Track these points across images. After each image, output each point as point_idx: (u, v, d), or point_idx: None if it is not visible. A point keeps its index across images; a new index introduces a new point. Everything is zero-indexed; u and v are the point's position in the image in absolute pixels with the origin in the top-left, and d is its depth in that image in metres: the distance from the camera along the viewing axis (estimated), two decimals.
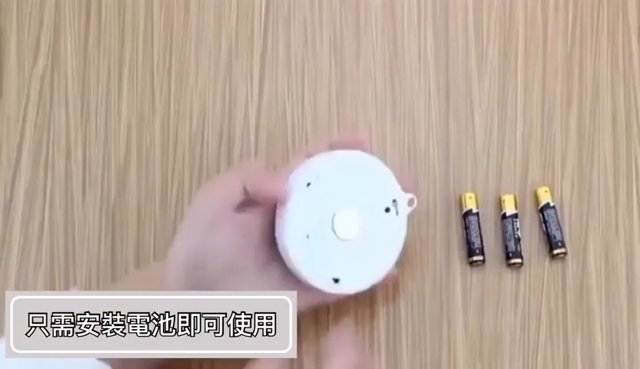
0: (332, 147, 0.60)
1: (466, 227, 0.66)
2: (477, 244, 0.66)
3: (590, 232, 0.67)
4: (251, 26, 0.71)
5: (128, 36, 0.71)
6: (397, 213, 0.60)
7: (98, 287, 0.66)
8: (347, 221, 0.59)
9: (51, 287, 0.66)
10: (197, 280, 0.57)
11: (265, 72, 0.70)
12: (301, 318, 0.61)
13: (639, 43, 0.71)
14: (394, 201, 0.60)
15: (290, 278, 0.59)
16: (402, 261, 0.63)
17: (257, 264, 0.59)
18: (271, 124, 0.69)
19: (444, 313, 0.66)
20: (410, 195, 0.60)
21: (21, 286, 0.66)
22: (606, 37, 0.71)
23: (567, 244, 0.67)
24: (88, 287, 0.66)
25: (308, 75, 0.70)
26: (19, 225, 0.67)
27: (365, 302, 0.65)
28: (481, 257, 0.66)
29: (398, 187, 0.60)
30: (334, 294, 0.60)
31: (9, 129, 0.69)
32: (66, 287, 0.66)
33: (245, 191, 0.58)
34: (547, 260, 0.67)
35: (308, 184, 0.58)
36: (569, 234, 0.67)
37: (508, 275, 0.66)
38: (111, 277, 0.66)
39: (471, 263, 0.66)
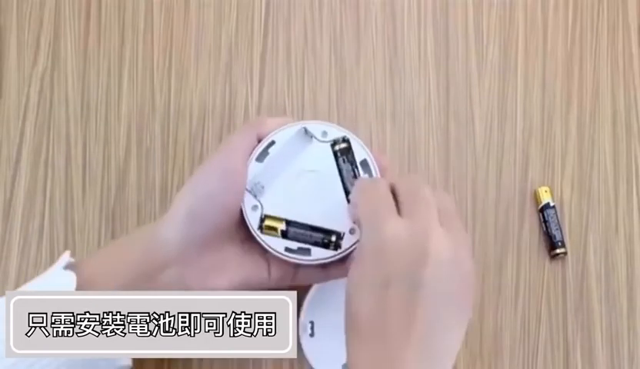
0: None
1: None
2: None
3: (590, 232, 0.67)
4: (251, 26, 0.71)
5: (128, 36, 0.71)
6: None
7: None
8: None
9: None
10: (195, 235, 0.55)
11: (265, 72, 0.70)
12: None
13: (639, 43, 0.71)
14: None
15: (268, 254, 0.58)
16: None
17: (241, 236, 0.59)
18: None
19: None
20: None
21: (21, 286, 0.66)
22: (606, 37, 0.71)
23: (567, 244, 0.67)
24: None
25: (308, 75, 0.70)
26: (19, 225, 0.67)
27: None
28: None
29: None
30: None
31: (9, 129, 0.69)
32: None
33: (258, 135, 0.57)
34: (547, 260, 0.67)
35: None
36: (569, 234, 0.67)
37: (509, 275, 0.66)
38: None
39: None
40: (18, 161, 0.69)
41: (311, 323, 0.64)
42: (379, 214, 0.51)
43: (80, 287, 0.54)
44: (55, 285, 0.55)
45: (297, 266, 0.57)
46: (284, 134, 0.57)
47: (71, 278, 0.54)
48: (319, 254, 0.56)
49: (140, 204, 0.68)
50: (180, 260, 0.55)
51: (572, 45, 0.71)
